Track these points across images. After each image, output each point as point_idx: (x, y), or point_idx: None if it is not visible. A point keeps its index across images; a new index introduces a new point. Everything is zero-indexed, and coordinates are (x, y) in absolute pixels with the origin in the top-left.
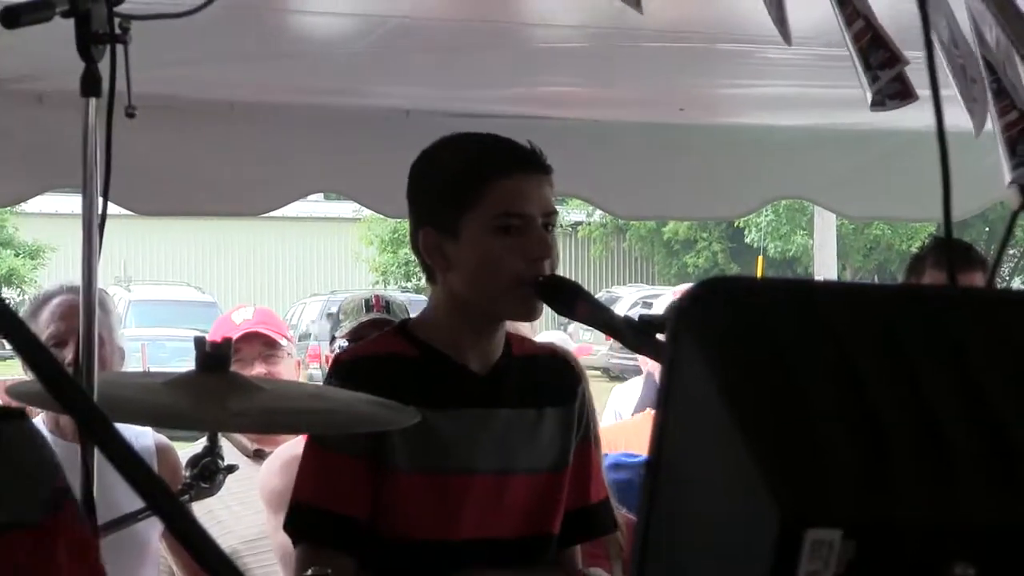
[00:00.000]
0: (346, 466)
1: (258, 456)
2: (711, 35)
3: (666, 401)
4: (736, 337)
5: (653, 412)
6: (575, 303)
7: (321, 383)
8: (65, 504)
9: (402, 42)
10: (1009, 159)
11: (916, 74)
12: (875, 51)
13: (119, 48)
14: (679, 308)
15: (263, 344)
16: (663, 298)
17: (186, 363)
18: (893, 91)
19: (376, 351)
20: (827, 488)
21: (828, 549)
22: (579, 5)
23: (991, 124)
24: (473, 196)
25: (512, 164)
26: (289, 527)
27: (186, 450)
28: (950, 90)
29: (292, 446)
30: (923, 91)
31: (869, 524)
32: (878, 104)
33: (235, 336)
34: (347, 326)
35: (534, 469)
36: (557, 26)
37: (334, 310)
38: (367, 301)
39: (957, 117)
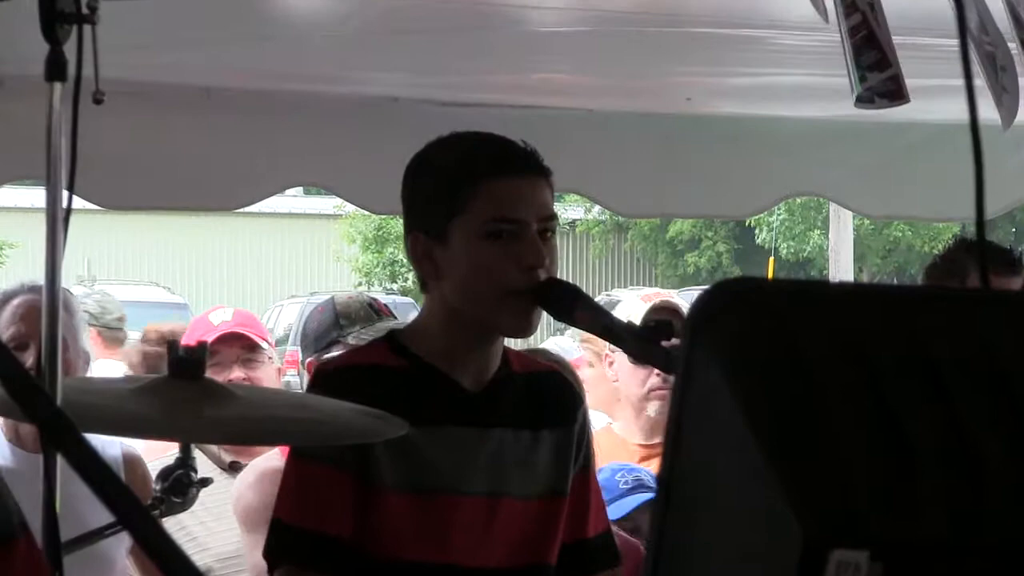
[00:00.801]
0: (330, 480)
1: (233, 468)
2: (720, 20)
3: (679, 413)
4: (754, 344)
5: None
6: (574, 308)
7: (298, 390)
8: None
9: (390, 25)
10: None
11: (940, 64)
12: (867, 51)
13: (87, 29)
14: (694, 312)
15: (243, 347)
16: (626, 303)
17: None
18: (885, 90)
19: (360, 361)
20: (852, 507)
21: (854, 571)
22: None
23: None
24: (462, 200)
25: (503, 166)
26: (270, 549)
27: (156, 462)
28: (978, 80)
29: (268, 458)
30: (946, 81)
31: (897, 545)
32: (866, 101)
33: (213, 338)
34: (358, 334)
35: (528, 495)
36: (556, 9)
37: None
38: (372, 305)
39: (983, 110)
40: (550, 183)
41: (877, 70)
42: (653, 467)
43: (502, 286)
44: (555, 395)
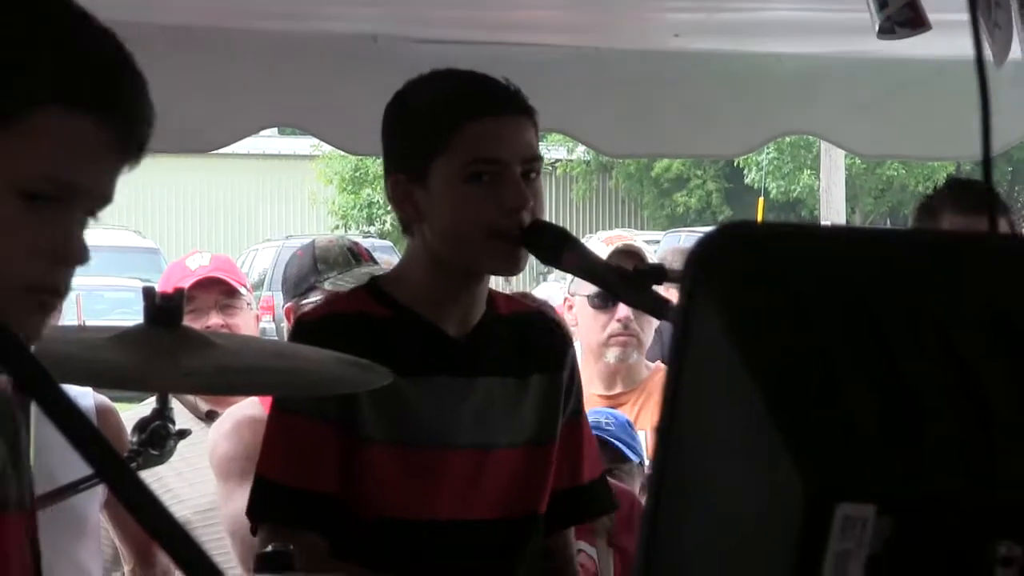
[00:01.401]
0: (314, 435)
1: (211, 418)
2: None
3: (679, 360)
4: (756, 293)
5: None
6: (561, 251)
7: (273, 336)
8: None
9: None
10: None
11: None
12: None
13: None
14: (694, 258)
15: (221, 293)
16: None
17: (126, 315)
18: (904, 18)
19: (344, 309)
20: (859, 459)
21: (861, 527)
22: None
23: (1019, 53)
24: (441, 141)
25: (484, 105)
26: (252, 507)
27: (129, 412)
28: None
29: (244, 407)
30: (942, 15)
31: (905, 499)
32: (887, 31)
33: (190, 283)
34: (335, 279)
35: (515, 443)
36: None
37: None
38: (352, 250)
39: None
40: (534, 123)
41: None
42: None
43: (485, 229)
44: (543, 339)
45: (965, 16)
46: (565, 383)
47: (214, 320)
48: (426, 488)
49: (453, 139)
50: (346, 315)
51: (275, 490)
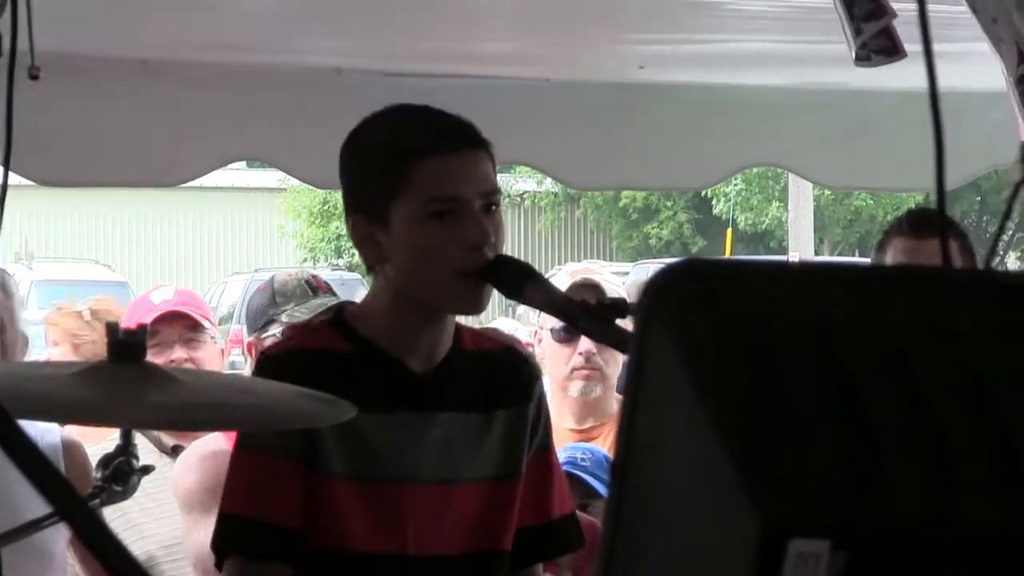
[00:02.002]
0: (277, 470)
1: (176, 453)
2: None
3: (634, 395)
4: (711, 326)
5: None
6: (525, 285)
7: (243, 370)
8: None
9: None
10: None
11: (903, 28)
12: (861, 1)
13: (21, 1)
14: (649, 291)
15: (185, 327)
16: (556, 277)
17: None
18: (879, 46)
19: (306, 344)
20: (813, 494)
21: (815, 562)
22: None
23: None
24: (398, 181)
25: (437, 142)
26: (217, 541)
27: (95, 448)
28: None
29: (208, 440)
30: (909, 47)
31: (860, 534)
32: (863, 59)
33: (153, 318)
34: (292, 311)
35: (479, 477)
36: None
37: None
38: (309, 282)
39: (948, 76)
40: (490, 155)
41: (873, 19)
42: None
43: (449, 268)
44: (509, 374)
45: (939, 46)
46: (532, 416)
47: (178, 354)
48: (391, 523)
49: (410, 180)
50: (309, 350)
51: (240, 523)
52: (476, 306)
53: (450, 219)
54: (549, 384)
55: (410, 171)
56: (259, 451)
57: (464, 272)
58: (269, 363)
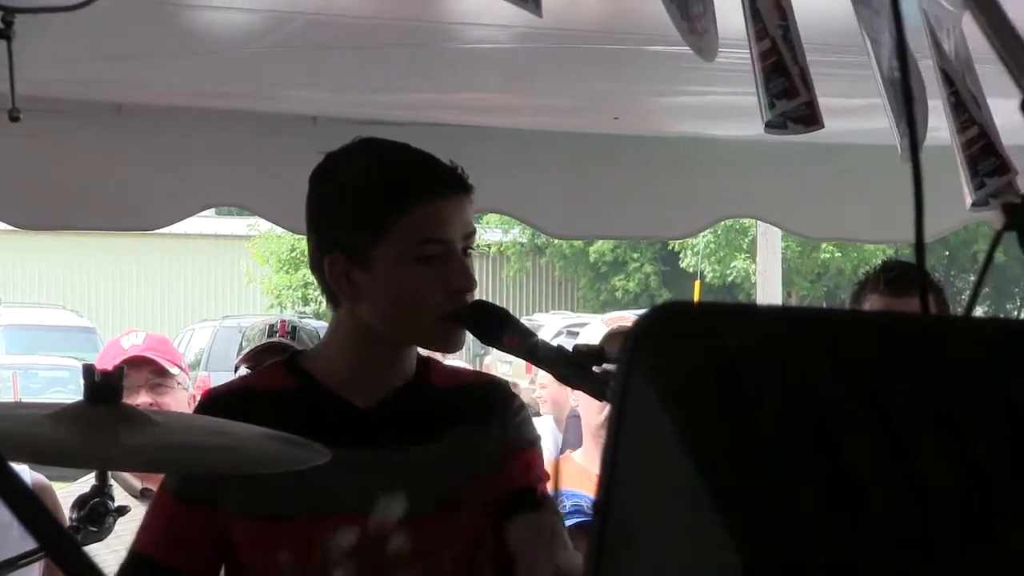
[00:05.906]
0: (187, 515)
1: (146, 496)
2: (648, 36)
3: (616, 437)
4: (693, 371)
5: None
6: (502, 331)
7: None
8: None
9: (310, 41)
10: (970, 180)
11: (873, 83)
12: (775, 78)
13: (2, 45)
14: (631, 337)
15: (152, 372)
16: (591, 327)
17: (61, 394)
18: (798, 115)
19: (249, 383)
20: (794, 533)
21: None
22: (502, 3)
23: (951, 142)
24: (388, 225)
25: (434, 188)
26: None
27: (65, 490)
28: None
29: None
30: (880, 101)
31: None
32: (778, 127)
33: (119, 361)
34: (246, 352)
35: (423, 510)
36: (480, 25)
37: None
38: (272, 326)
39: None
40: (471, 198)
41: (785, 98)
42: None
43: (431, 310)
44: (476, 401)
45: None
46: (490, 439)
47: (143, 399)
48: (314, 562)
49: (400, 222)
50: (251, 388)
51: (140, 561)
52: (453, 346)
53: (435, 262)
54: (584, 431)
55: (403, 216)
56: (166, 494)
57: (445, 315)
58: (209, 401)
